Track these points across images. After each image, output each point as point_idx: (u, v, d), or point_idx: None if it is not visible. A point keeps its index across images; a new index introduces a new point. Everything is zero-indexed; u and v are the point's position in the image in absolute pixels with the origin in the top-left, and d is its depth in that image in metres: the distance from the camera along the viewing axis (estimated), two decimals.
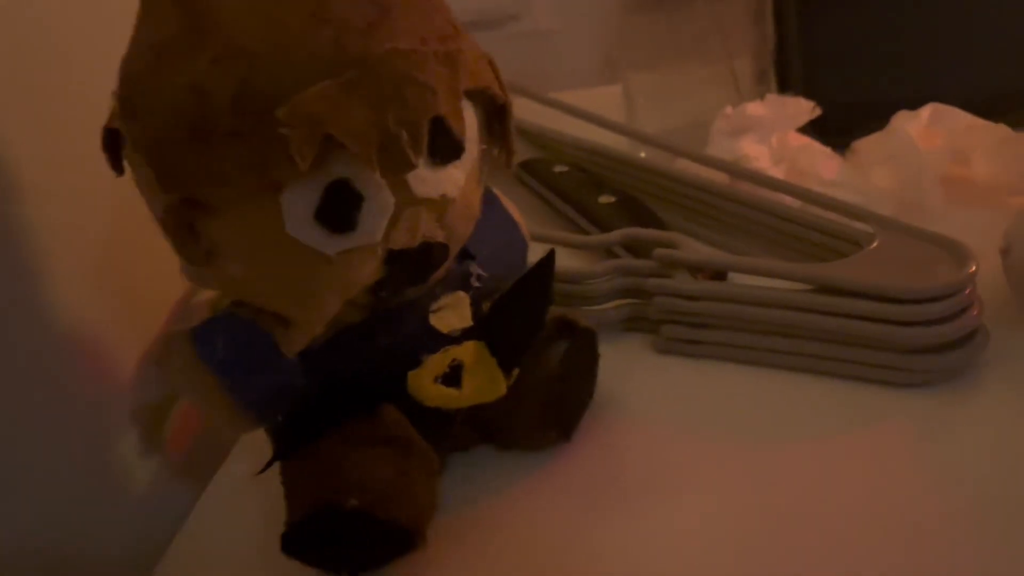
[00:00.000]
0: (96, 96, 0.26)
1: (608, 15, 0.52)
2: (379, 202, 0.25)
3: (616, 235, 0.39)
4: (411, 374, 0.28)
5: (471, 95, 0.27)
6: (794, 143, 0.44)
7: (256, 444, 0.31)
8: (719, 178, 0.42)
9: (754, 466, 0.30)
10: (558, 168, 0.46)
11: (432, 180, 0.26)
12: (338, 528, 0.26)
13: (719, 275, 0.37)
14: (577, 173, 0.46)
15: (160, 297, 0.36)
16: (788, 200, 0.39)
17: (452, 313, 0.29)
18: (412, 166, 0.24)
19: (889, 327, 0.31)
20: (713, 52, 0.49)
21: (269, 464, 0.28)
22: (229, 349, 0.27)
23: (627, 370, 0.36)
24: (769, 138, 0.44)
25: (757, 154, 0.43)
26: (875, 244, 0.34)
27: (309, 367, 0.27)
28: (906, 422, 0.31)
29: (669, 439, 0.32)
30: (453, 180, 0.27)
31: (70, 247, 0.31)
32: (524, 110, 0.52)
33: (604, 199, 0.43)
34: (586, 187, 0.45)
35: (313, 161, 0.23)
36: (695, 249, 0.36)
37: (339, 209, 0.24)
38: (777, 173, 0.43)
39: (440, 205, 0.26)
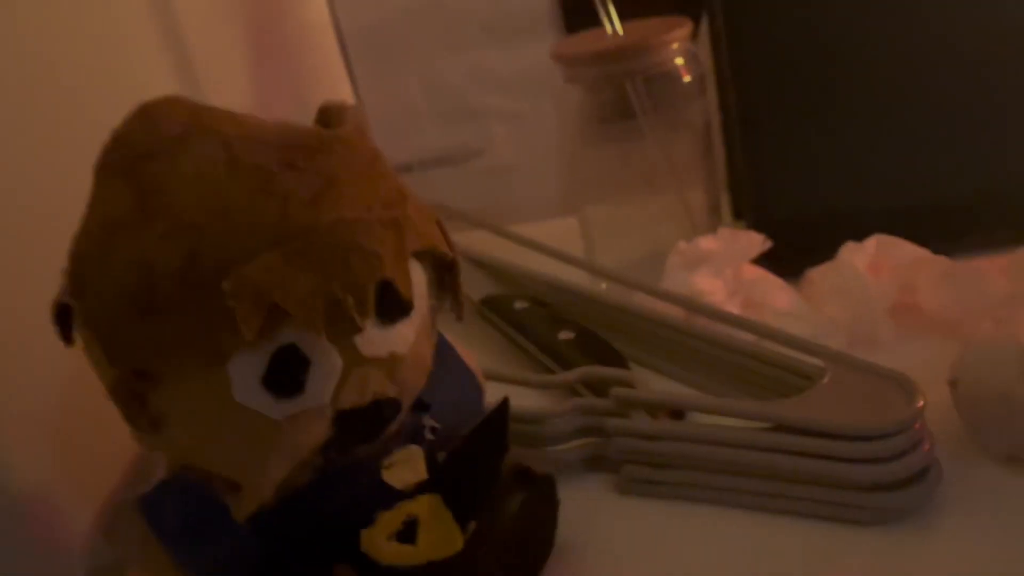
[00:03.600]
0: (51, 261, 0.26)
1: (565, 150, 0.54)
2: (326, 365, 0.25)
3: (574, 374, 0.39)
4: (364, 532, 0.28)
5: (419, 255, 0.27)
6: (748, 275, 0.45)
7: None
8: (676, 312, 0.43)
9: None
10: (519, 304, 0.47)
11: (380, 340, 0.26)
12: None
13: (678, 414, 0.37)
14: (537, 308, 0.47)
15: (117, 458, 0.36)
16: (743, 334, 0.40)
17: (405, 468, 0.29)
18: (359, 329, 0.25)
19: (842, 464, 0.31)
20: (666, 185, 0.51)
21: None
22: (179, 517, 0.26)
23: (589, 512, 0.35)
24: (723, 271, 0.45)
25: (711, 288, 0.44)
26: (826, 379, 0.34)
27: (261, 531, 0.27)
28: (862, 561, 0.31)
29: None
30: (402, 338, 0.27)
31: (24, 407, 0.31)
32: (486, 244, 0.54)
33: (564, 335, 0.44)
34: (546, 323, 0.45)
35: (260, 330, 0.23)
36: (652, 388, 0.36)
37: (286, 374, 0.25)
38: (732, 306, 0.43)
39: (390, 363, 0.27)
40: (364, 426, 0.27)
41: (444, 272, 0.29)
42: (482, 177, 0.66)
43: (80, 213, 0.25)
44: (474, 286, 0.50)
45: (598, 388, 0.39)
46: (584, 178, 0.54)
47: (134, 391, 0.25)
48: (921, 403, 0.32)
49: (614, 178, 0.53)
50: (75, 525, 0.33)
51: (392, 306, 0.26)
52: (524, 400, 0.39)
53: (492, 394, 0.38)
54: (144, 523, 0.26)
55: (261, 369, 0.24)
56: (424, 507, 0.29)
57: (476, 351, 0.47)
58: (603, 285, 0.50)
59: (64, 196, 0.26)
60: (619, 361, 0.42)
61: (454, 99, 0.68)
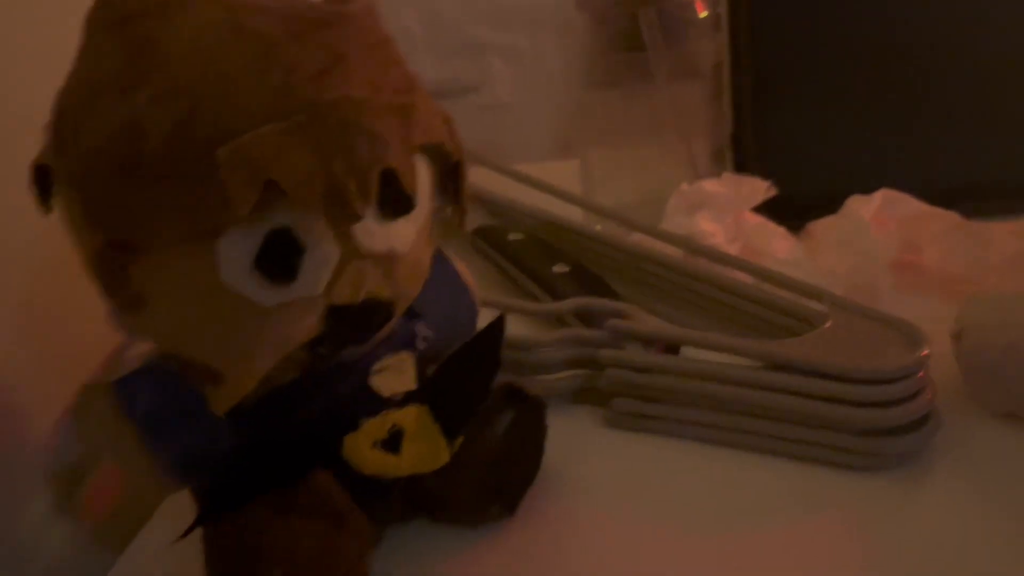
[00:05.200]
0: (20, 133, 0.24)
1: (567, 91, 0.53)
2: (321, 253, 0.24)
3: (569, 304, 0.38)
4: (347, 438, 0.27)
5: (425, 150, 0.26)
6: (749, 222, 0.44)
7: (179, 509, 0.29)
8: (674, 254, 0.42)
9: (699, 548, 0.29)
10: (512, 236, 0.46)
11: (380, 234, 0.25)
12: None
13: (672, 349, 0.36)
14: (532, 241, 0.45)
15: (87, 351, 0.35)
16: (742, 278, 0.39)
17: (394, 375, 0.28)
18: (358, 217, 0.23)
19: (842, 408, 0.31)
20: (670, 131, 0.50)
21: (190, 529, 0.26)
22: (153, 403, 0.25)
23: (576, 443, 0.34)
24: (724, 216, 0.44)
25: (712, 231, 0.43)
26: (828, 324, 0.34)
27: (238, 427, 0.26)
28: (854, 506, 0.30)
29: (615, 518, 0.31)
30: (403, 236, 0.26)
31: None
32: (480, 179, 0.52)
33: (558, 268, 0.42)
34: (540, 256, 0.44)
35: (253, 207, 0.22)
36: (648, 321, 0.35)
37: (279, 258, 0.23)
38: (731, 251, 0.42)
39: (387, 261, 0.25)
40: (355, 325, 0.26)
41: (449, 174, 0.28)
42: (478, 114, 0.64)
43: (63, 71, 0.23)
44: (468, 217, 0.48)
45: (592, 321, 0.38)
46: (585, 118, 0.52)
47: (115, 262, 0.23)
48: (926, 351, 0.31)
49: (616, 119, 0.52)
50: (39, 423, 0.32)
51: (394, 199, 0.25)
52: (515, 328, 0.38)
53: (484, 320, 0.38)
54: (116, 407, 0.25)
55: (252, 250, 0.23)
56: (411, 418, 0.27)
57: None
58: (598, 227, 0.49)
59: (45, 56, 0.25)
60: (614, 297, 0.40)
61: (452, 31, 0.66)
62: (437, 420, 0.28)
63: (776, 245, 0.43)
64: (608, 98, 0.52)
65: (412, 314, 0.29)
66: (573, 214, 0.48)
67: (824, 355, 0.31)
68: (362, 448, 0.27)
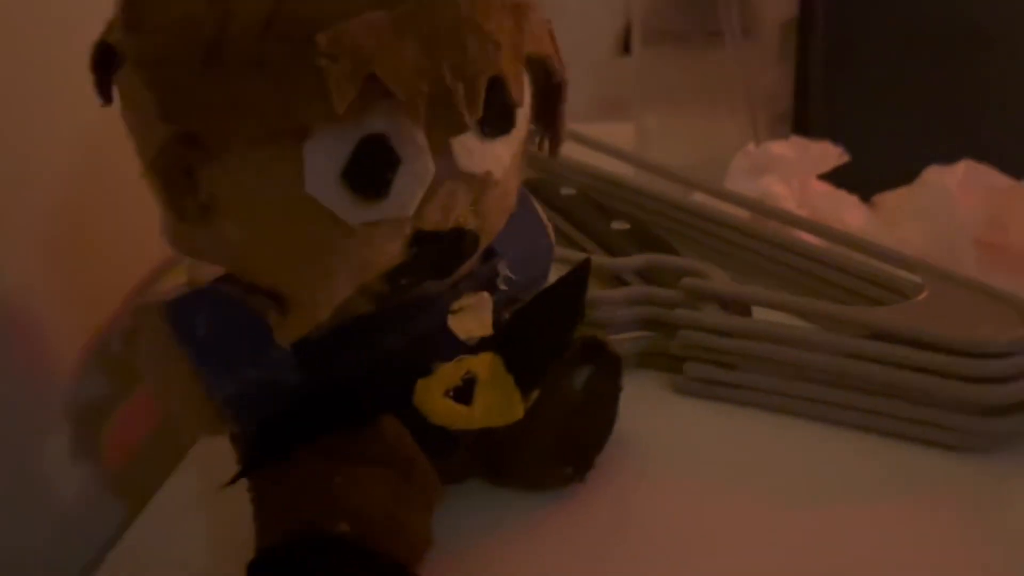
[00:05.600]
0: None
1: (622, 50, 0.50)
2: (418, 168, 0.21)
3: (637, 260, 0.35)
4: (420, 382, 0.24)
5: (530, 63, 0.23)
6: (817, 189, 0.42)
7: (213, 455, 0.26)
8: (740, 215, 0.40)
9: (778, 527, 0.26)
10: (565, 191, 0.43)
11: (479, 153, 0.22)
12: (322, 557, 0.22)
13: (747, 313, 0.33)
14: (585, 199, 0.43)
15: (119, 275, 0.31)
16: (815, 242, 0.37)
17: (472, 316, 0.25)
18: (465, 128, 0.20)
19: (948, 382, 0.28)
20: (730, 93, 0.47)
21: (240, 475, 0.24)
22: (212, 330, 0.22)
23: (643, 410, 0.31)
24: (791, 180, 0.42)
25: (781, 193, 0.40)
26: (924, 295, 0.31)
27: (304, 362, 0.23)
28: (956, 490, 0.28)
29: (685, 491, 0.28)
30: (499, 158, 0.23)
31: (14, 205, 0.27)
32: None
33: (617, 225, 0.40)
34: (596, 213, 0.41)
35: (349, 106, 0.19)
36: (727, 281, 0.33)
37: (372, 170, 0.20)
38: (800, 213, 0.40)
39: (480, 185, 0.22)
40: (442, 254, 0.23)
41: (548, 95, 0.25)
42: None
43: None
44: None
45: (657, 281, 0.35)
46: (644, 80, 0.49)
47: (184, 162, 0.20)
48: None
49: (674, 82, 0.49)
50: (61, 346, 0.29)
51: (499, 113, 0.22)
52: None
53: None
54: (170, 332, 0.22)
55: (343, 158, 0.20)
56: (485, 366, 0.25)
57: None
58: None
59: None
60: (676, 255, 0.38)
61: None
62: (512, 371, 0.25)
63: (847, 215, 0.41)
64: (665, 57, 0.49)
65: (492, 252, 0.26)
66: (628, 176, 0.45)
67: (929, 325, 0.29)
68: (434, 395, 0.24)
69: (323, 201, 0.20)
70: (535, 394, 0.25)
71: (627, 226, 0.40)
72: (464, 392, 0.24)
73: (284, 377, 0.23)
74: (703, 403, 0.32)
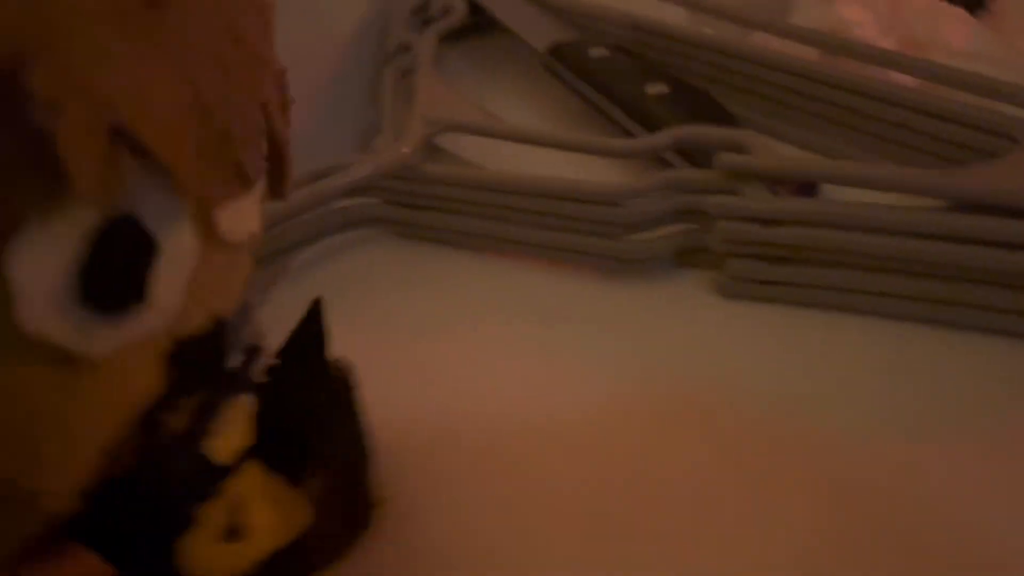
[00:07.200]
0: None
1: None
2: (181, 253, 0.14)
3: (665, 136, 0.29)
4: (181, 544, 0.17)
5: None
6: (911, 4, 0.33)
7: None
8: (809, 56, 0.32)
9: (857, 461, 0.21)
10: (595, 52, 0.36)
11: (245, 211, 0.16)
12: None
13: (808, 190, 0.27)
14: (620, 57, 0.35)
15: None
16: (906, 82, 0.29)
17: (232, 432, 0.18)
18: (251, 183, 0.15)
19: None
20: None
21: None
22: None
23: (680, 318, 0.26)
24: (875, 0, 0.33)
25: (859, 19, 0.32)
26: None
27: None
28: None
29: (736, 418, 0.23)
30: (257, 211, 0.17)
31: None
32: None
33: (654, 89, 0.33)
34: (631, 74, 0.34)
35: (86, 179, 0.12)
36: (774, 152, 0.26)
37: (122, 268, 0.14)
38: (887, 45, 0.32)
39: (240, 253, 0.17)
40: (203, 363, 0.16)
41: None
42: None
43: None
44: (539, 34, 0.39)
45: (698, 156, 0.29)
46: None
47: None
48: None
49: None
50: None
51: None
52: (598, 173, 0.29)
53: (554, 166, 0.29)
54: None
55: (73, 260, 0.13)
56: (249, 482, 0.18)
57: (537, 113, 0.38)
58: (706, 31, 0.38)
59: None
60: (728, 122, 0.31)
61: None
62: (280, 470, 0.18)
63: (950, 32, 0.32)
64: None
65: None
66: (673, 18, 0.38)
67: None
68: (203, 550, 0.17)
69: (47, 332, 0.13)
70: (315, 482, 0.19)
71: (666, 89, 0.33)
72: (236, 528, 0.18)
73: None
74: (752, 306, 0.26)
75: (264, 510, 0.18)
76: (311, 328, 0.19)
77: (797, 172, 0.25)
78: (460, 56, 0.41)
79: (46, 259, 0.12)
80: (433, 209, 0.30)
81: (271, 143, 0.16)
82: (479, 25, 0.42)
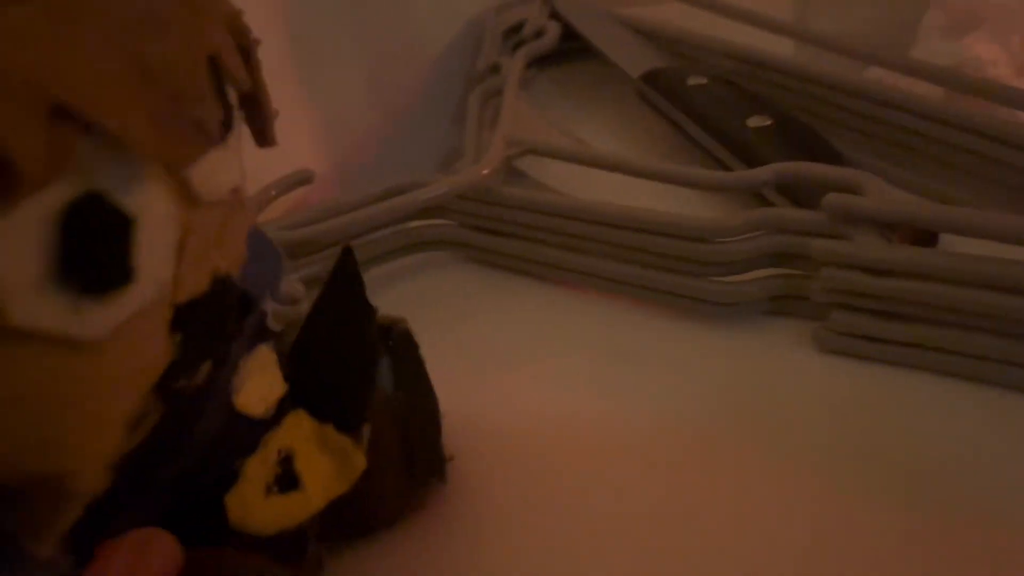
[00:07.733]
0: None
1: None
2: (158, 221, 0.14)
3: (766, 171, 0.26)
4: (229, 499, 0.17)
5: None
6: None
7: None
8: (931, 94, 0.29)
9: (951, 539, 0.18)
10: (693, 80, 0.34)
11: (221, 167, 0.15)
12: None
13: (925, 239, 0.24)
14: (720, 86, 0.33)
15: None
16: None
17: (260, 383, 0.18)
18: (214, 138, 0.14)
19: None
20: None
21: None
22: None
23: (771, 371, 0.24)
24: (1010, 36, 0.30)
25: (992, 58, 0.29)
26: None
27: (76, 546, 0.15)
28: None
29: (830, 485, 0.20)
30: (238, 164, 0.16)
31: None
32: (657, 12, 0.40)
33: (756, 122, 0.30)
34: (731, 104, 0.32)
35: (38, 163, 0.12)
36: (888, 196, 0.23)
37: (100, 247, 0.13)
38: (1022, 85, 0.29)
39: (228, 210, 0.15)
40: (211, 325, 0.16)
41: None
42: None
43: None
44: (633, 60, 0.37)
45: (801, 195, 0.26)
46: None
47: None
48: None
49: None
50: None
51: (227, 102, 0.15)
52: (689, 208, 0.27)
53: (641, 198, 0.27)
54: None
55: (45, 247, 0.12)
56: (295, 432, 0.18)
57: (626, 142, 0.36)
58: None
59: None
60: (835, 160, 0.28)
61: None
62: (327, 418, 0.18)
63: None
64: None
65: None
66: (780, 51, 0.35)
67: None
68: (252, 504, 0.17)
69: (38, 323, 0.12)
70: (367, 428, 0.19)
71: (768, 122, 0.30)
72: (287, 477, 0.18)
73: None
74: (854, 364, 0.24)
75: (316, 459, 0.18)
76: (345, 275, 0.19)
77: (917, 218, 0.23)
78: (550, 80, 0.40)
79: (16, 251, 0.12)
80: (508, 235, 0.29)
81: (240, 90, 0.16)
82: (571, 51, 0.40)
